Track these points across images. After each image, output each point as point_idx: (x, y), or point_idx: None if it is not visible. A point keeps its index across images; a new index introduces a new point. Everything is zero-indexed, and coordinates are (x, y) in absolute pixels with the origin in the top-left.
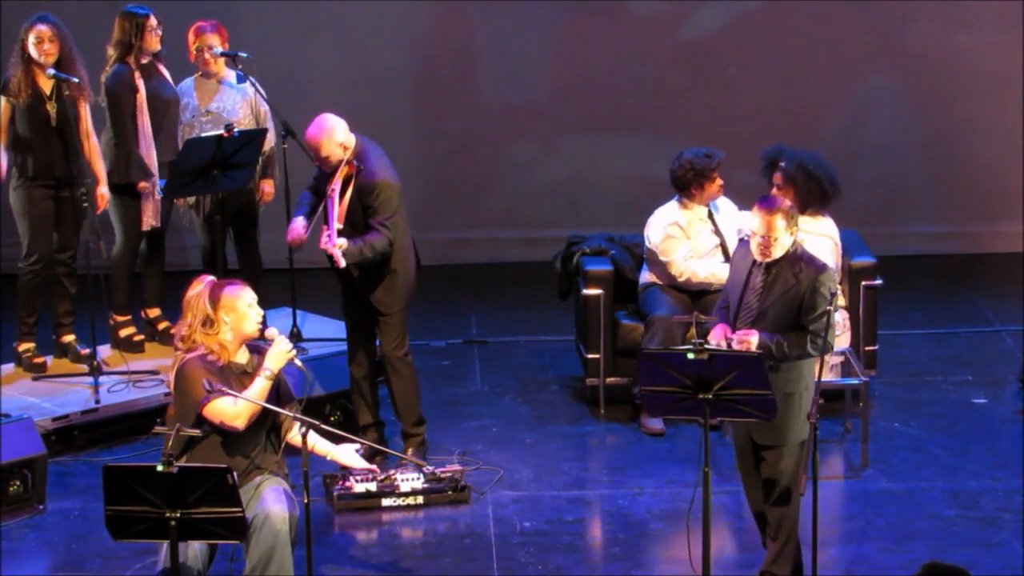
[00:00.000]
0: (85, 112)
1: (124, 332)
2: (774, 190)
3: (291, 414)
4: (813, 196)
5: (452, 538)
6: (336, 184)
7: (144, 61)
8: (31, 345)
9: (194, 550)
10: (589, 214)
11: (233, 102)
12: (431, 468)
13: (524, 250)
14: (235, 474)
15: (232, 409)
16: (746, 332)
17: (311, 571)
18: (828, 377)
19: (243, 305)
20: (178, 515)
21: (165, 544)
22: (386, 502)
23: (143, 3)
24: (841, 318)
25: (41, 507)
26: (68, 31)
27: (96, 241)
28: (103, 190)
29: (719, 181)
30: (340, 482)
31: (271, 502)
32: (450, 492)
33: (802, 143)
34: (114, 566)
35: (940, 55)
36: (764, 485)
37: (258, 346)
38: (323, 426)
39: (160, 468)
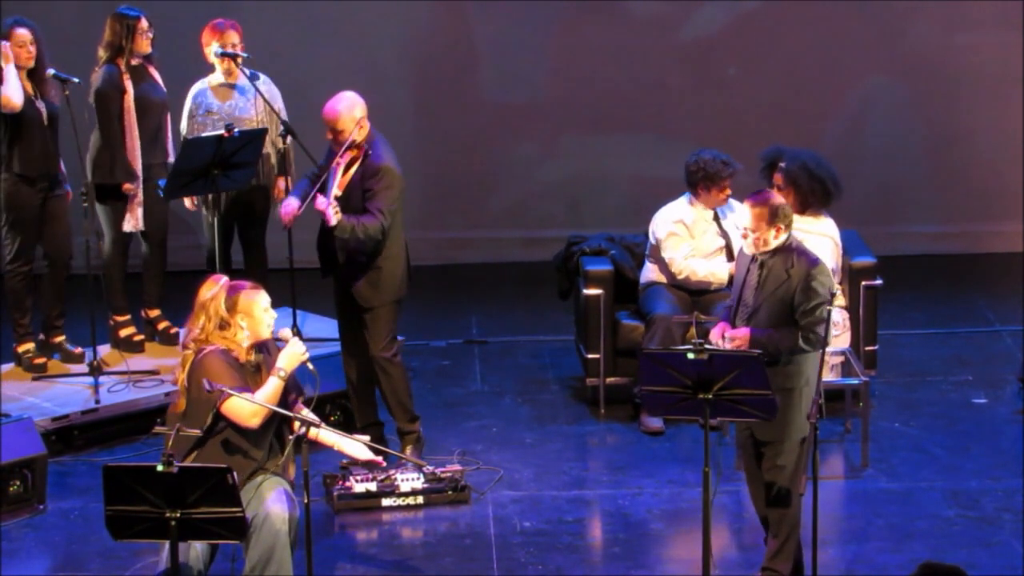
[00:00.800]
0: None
1: (124, 332)
2: (775, 191)
3: (300, 416)
4: (815, 196)
5: (452, 538)
6: (342, 159)
7: (134, 63)
8: (30, 346)
9: (196, 550)
10: (589, 214)
11: (246, 103)
12: (431, 468)
13: (524, 250)
14: (235, 474)
15: (250, 408)
16: (738, 329)
17: (311, 571)
18: (828, 377)
19: (259, 310)
20: (178, 515)
21: (166, 544)
22: (386, 502)
23: (140, 4)
24: (841, 318)
25: (41, 507)
26: (41, 33)
27: (96, 241)
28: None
29: (728, 191)
30: (340, 482)
31: (271, 502)
32: (450, 492)
33: (802, 143)
34: (114, 566)
35: (940, 55)
36: (765, 483)
37: (265, 343)
38: (324, 426)
39: (160, 468)
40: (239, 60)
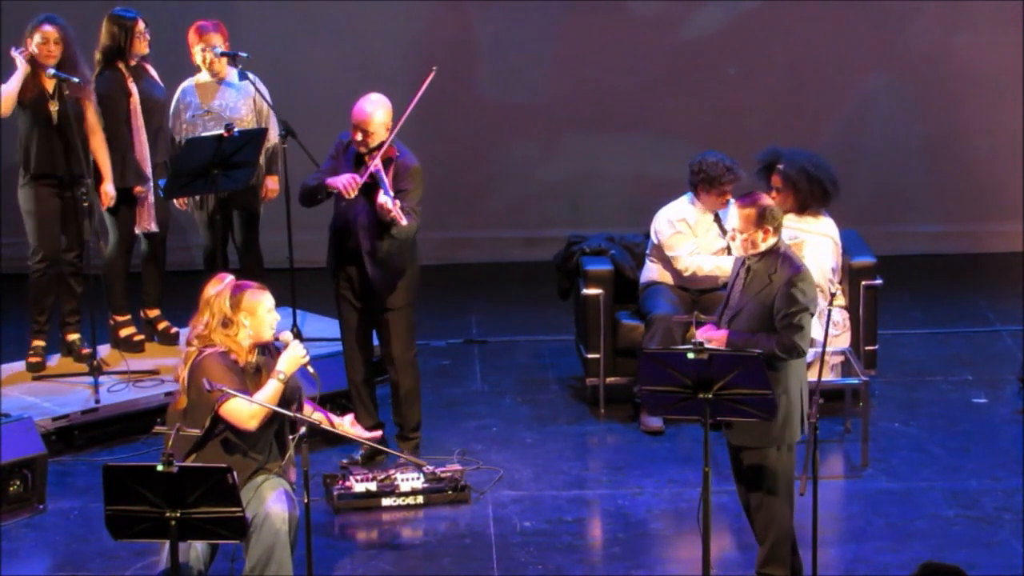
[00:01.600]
0: (91, 111)
1: (124, 332)
2: (773, 193)
3: (300, 416)
4: (815, 197)
5: (452, 538)
6: (378, 160)
7: (132, 63)
8: (40, 343)
9: (196, 550)
10: (589, 214)
11: (235, 100)
12: (431, 468)
13: (524, 250)
14: (235, 474)
15: (248, 409)
16: (717, 331)
17: (311, 571)
18: (828, 377)
19: (263, 310)
20: (178, 515)
21: (166, 544)
22: (386, 502)
23: (137, 5)
24: (841, 318)
25: (41, 507)
26: (73, 33)
27: (96, 241)
28: (108, 187)
29: (728, 196)
30: (340, 482)
31: (271, 502)
32: (450, 492)
33: (802, 143)
34: (114, 566)
35: (940, 55)
36: (745, 489)
37: (267, 345)
38: (323, 426)
39: (160, 468)
40: (238, 61)
